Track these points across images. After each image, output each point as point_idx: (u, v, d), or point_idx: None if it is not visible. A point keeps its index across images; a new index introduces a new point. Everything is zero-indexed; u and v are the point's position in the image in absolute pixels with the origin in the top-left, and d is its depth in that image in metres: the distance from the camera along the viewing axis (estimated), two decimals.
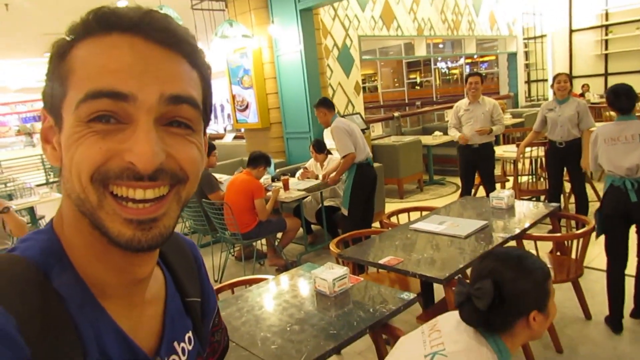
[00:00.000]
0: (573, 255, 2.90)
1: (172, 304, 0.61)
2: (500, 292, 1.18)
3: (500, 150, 5.41)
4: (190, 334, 0.63)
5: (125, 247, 0.47)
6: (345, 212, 4.11)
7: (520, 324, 1.20)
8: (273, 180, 4.76)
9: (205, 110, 0.54)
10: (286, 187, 4.38)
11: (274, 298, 2.15)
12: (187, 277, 0.65)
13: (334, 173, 4.22)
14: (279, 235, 4.40)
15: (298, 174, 4.88)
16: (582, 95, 9.38)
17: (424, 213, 3.35)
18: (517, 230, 2.74)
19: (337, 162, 4.35)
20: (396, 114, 7.80)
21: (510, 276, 1.20)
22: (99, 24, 0.47)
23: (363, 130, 6.29)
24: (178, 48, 0.50)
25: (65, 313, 0.46)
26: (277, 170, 5.27)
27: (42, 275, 0.47)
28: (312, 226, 5.03)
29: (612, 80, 10.61)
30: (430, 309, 2.61)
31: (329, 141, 5.15)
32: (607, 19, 10.60)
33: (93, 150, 0.46)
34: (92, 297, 0.50)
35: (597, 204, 2.96)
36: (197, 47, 0.52)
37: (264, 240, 4.44)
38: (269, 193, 4.16)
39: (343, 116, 6.35)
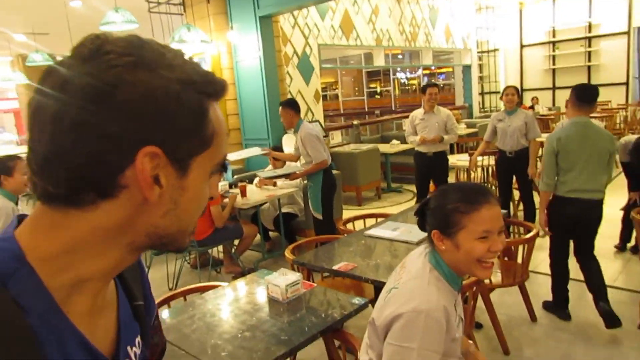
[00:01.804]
0: (519, 260, 3.02)
1: (123, 308, 0.62)
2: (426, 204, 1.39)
3: (453, 159, 5.58)
4: (139, 338, 0.64)
5: (177, 251, 0.60)
6: (319, 216, 4.16)
7: (436, 238, 1.32)
8: (230, 186, 4.72)
9: None
10: (243, 193, 4.35)
11: (227, 305, 2.13)
12: (134, 281, 0.66)
13: (299, 172, 4.27)
14: (236, 242, 4.35)
15: (256, 180, 4.86)
16: (532, 107, 9.83)
17: (380, 219, 3.41)
18: None
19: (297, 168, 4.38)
20: (355, 122, 7.90)
21: (436, 194, 1.37)
22: (218, 91, 0.55)
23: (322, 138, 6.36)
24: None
25: (25, 324, 0.45)
26: (235, 176, 5.23)
27: None
28: (270, 233, 5.00)
29: (559, 94, 11.19)
30: None
31: (287, 148, 5.17)
32: (554, 36, 11.18)
33: (207, 194, 0.58)
34: (54, 304, 0.49)
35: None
36: None
37: (220, 247, 4.39)
38: (226, 200, 4.12)
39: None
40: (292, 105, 4.15)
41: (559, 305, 3.11)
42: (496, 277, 3.01)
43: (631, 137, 3.82)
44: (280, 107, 4.19)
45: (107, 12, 4.73)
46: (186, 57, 0.53)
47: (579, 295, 3.42)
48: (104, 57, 0.47)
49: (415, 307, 1.23)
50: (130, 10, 4.83)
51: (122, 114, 0.46)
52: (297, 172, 4.28)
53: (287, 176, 4.37)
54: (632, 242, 4.01)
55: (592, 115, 3.30)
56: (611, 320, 2.82)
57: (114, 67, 0.47)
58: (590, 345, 2.80)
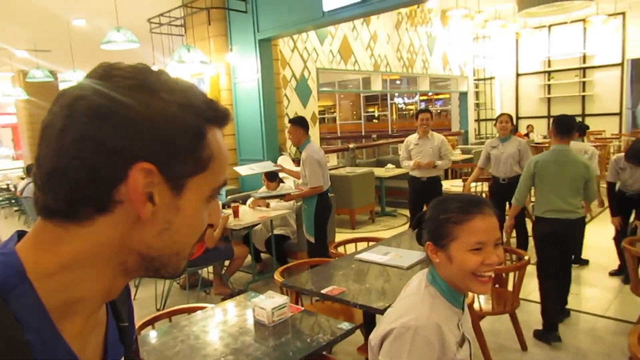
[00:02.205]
0: (510, 287, 3.01)
1: (111, 329, 0.62)
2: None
3: (447, 184, 5.59)
4: (123, 359, 0.64)
5: (172, 277, 0.60)
6: (311, 239, 4.12)
7: (430, 250, 1.28)
8: (223, 207, 4.71)
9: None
10: (236, 214, 4.34)
11: (212, 327, 2.10)
12: (121, 303, 0.66)
13: (294, 193, 4.26)
14: (227, 263, 4.32)
15: (249, 201, 4.85)
16: (527, 135, 9.92)
17: (371, 243, 3.39)
18: None
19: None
20: (351, 145, 7.95)
21: (432, 205, 1.34)
22: (216, 118, 0.56)
23: None
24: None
25: (22, 340, 0.47)
26: (229, 197, 5.22)
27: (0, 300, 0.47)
28: (262, 254, 4.97)
29: None
30: None
31: (286, 166, 5.17)
32: (549, 66, 11.36)
33: (205, 221, 0.59)
34: (50, 322, 0.50)
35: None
36: None
37: (210, 268, 4.35)
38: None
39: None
40: (302, 123, 4.12)
41: (548, 328, 3.10)
42: (487, 304, 2.99)
43: (620, 155, 3.91)
44: (290, 124, 4.14)
45: (108, 32, 4.80)
46: (196, 87, 0.56)
47: (572, 324, 3.40)
48: (111, 79, 0.51)
49: (405, 322, 1.20)
50: (132, 30, 4.90)
51: (119, 131, 0.49)
52: (292, 194, 4.25)
53: (281, 197, 4.34)
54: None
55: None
56: (547, 332, 3.09)
57: (118, 87, 0.50)
58: None
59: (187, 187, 0.53)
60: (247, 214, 4.50)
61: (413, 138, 4.97)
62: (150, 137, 0.50)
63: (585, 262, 4.45)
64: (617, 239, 3.84)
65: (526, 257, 2.92)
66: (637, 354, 1.68)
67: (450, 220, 1.22)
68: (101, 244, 0.51)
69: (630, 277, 3.15)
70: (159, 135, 0.50)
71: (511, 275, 3.09)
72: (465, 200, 1.26)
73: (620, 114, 10.44)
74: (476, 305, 2.85)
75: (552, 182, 3.13)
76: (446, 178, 6.88)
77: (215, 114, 0.55)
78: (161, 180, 0.51)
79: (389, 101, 16.64)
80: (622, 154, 3.87)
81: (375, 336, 1.29)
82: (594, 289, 4.06)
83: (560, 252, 3.17)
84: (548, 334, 3.09)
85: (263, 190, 4.92)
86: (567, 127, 3.16)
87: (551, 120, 11.71)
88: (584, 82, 10.87)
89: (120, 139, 0.49)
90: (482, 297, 2.97)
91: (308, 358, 1.78)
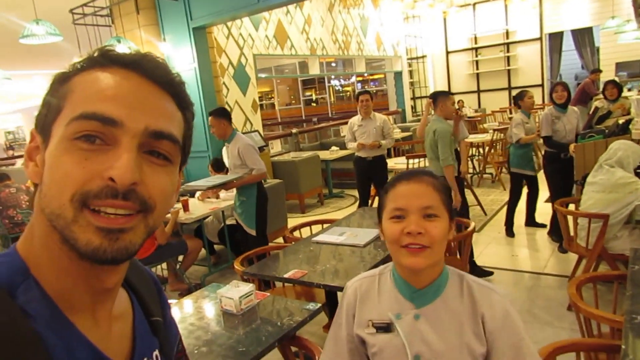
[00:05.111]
0: (459, 256, 3.19)
1: (140, 322, 0.63)
2: None
3: (392, 162, 5.78)
4: (157, 352, 0.65)
5: (91, 257, 0.49)
6: (252, 232, 3.95)
7: (380, 228, 1.19)
8: None
9: (184, 149, 0.59)
10: (186, 207, 4.26)
11: (179, 323, 2.08)
12: (150, 298, 0.68)
13: (236, 180, 3.97)
14: (180, 258, 4.24)
15: (197, 194, 4.77)
16: (458, 110, 10.36)
17: (325, 225, 3.47)
18: None
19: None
20: (294, 130, 7.97)
21: None
22: (104, 58, 0.53)
23: (262, 148, 6.35)
24: (168, 88, 0.56)
25: (32, 330, 0.47)
26: None
27: (6, 294, 0.48)
28: (215, 246, 4.92)
29: (484, 97, 11.90)
30: None
31: (226, 159, 5.05)
32: (476, 43, 11.88)
33: (76, 169, 0.49)
34: (59, 313, 0.51)
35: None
36: (185, 91, 0.59)
37: (164, 265, 4.26)
38: (168, 215, 4.01)
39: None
40: (225, 114, 3.90)
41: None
42: None
43: (549, 107, 4.33)
44: (212, 117, 3.83)
45: (26, 25, 4.48)
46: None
47: (516, 282, 3.67)
48: None
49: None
50: (53, 22, 4.60)
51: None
52: (235, 181, 3.95)
53: (222, 186, 4.07)
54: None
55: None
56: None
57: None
58: (528, 330, 2.99)
59: (52, 134, 0.51)
60: (198, 207, 4.43)
61: (356, 119, 5.07)
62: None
63: (543, 226, 4.75)
64: (552, 200, 4.15)
65: (472, 226, 3.11)
66: (577, 302, 1.86)
67: (385, 190, 1.16)
68: (36, 218, 0.53)
69: (563, 234, 3.44)
70: (45, 96, 0.54)
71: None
72: (406, 171, 1.20)
73: (542, 85, 11.15)
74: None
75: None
76: (389, 156, 7.10)
77: (91, 58, 0.54)
78: (39, 137, 0.53)
79: (326, 84, 16.74)
80: (550, 107, 4.27)
81: None
82: (532, 250, 4.39)
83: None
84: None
85: (204, 180, 4.79)
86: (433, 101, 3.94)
87: (481, 94, 12.14)
88: (508, 57, 11.47)
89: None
90: None
91: (280, 341, 1.83)
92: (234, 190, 4.14)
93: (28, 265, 0.52)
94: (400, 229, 1.06)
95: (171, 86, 0.56)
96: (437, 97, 3.98)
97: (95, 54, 0.54)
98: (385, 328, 1.12)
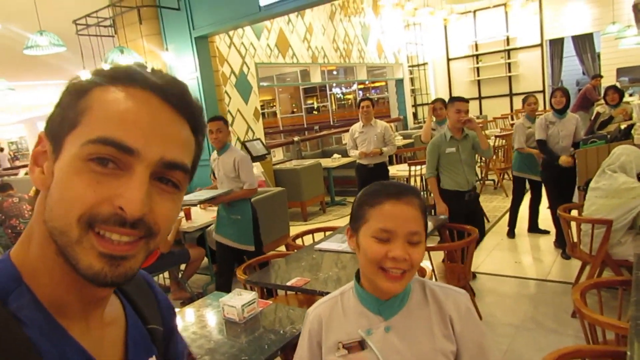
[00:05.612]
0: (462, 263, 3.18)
1: (134, 328, 0.63)
2: None
3: (393, 170, 5.78)
4: (154, 358, 0.64)
5: (91, 280, 0.50)
6: (251, 248, 3.71)
7: (348, 235, 1.16)
8: None
9: (192, 171, 0.59)
10: (188, 216, 4.26)
11: (182, 331, 2.08)
12: (146, 305, 0.67)
13: (228, 196, 3.69)
14: (183, 266, 4.24)
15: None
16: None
17: (328, 233, 3.46)
18: None
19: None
20: (296, 138, 7.99)
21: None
22: (127, 76, 0.52)
23: (264, 156, 6.37)
24: (186, 114, 0.55)
25: (24, 337, 0.47)
26: None
27: None
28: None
29: (485, 103, 11.91)
30: None
31: (216, 170, 4.67)
32: (477, 49, 11.92)
33: (87, 192, 0.49)
34: (52, 319, 0.51)
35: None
36: (202, 116, 0.59)
37: (166, 274, 4.25)
38: None
39: (243, 142, 6.38)
40: (227, 122, 3.76)
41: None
42: (441, 280, 3.14)
43: (547, 113, 4.28)
44: (220, 122, 3.61)
45: (30, 36, 4.52)
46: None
47: (520, 291, 3.65)
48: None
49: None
50: (57, 33, 4.64)
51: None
52: (224, 196, 3.65)
53: (211, 200, 3.72)
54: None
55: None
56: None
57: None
58: (532, 337, 2.99)
59: (64, 147, 0.50)
60: (200, 215, 4.43)
61: (357, 126, 5.09)
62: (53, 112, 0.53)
63: (546, 232, 4.72)
64: (552, 208, 4.13)
65: (474, 234, 3.10)
66: (581, 308, 1.85)
67: (366, 202, 1.09)
68: (36, 225, 0.53)
69: (566, 240, 3.42)
70: (57, 103, 0.53)
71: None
72: (390, 184, 1.13)
73: (543, 91, 11.16)
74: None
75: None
76: (391, 164, 7.10)
77: (112, 73, 0.53)
78: (48, 144, 0.52)
79: (328, 92, 16.79)
80: (549, 112, 4.25)
81: None
82: (535, 256, 4.37)
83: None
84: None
85: (199, 193, 4.67)
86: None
87: (482, 101, 12.20)
88: (509, 64, 11.50)
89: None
90: (436, 272, 3.12)
91: (283, 349, 1.82)
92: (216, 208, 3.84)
93: (21, 272, 0.52)
94: (384, 252, 1.03)
95: (190, 113, 0.56)
96: (444, 105, 4.03)
97: (118, 70, 0.53)
98: (357, 347, 1.10)
